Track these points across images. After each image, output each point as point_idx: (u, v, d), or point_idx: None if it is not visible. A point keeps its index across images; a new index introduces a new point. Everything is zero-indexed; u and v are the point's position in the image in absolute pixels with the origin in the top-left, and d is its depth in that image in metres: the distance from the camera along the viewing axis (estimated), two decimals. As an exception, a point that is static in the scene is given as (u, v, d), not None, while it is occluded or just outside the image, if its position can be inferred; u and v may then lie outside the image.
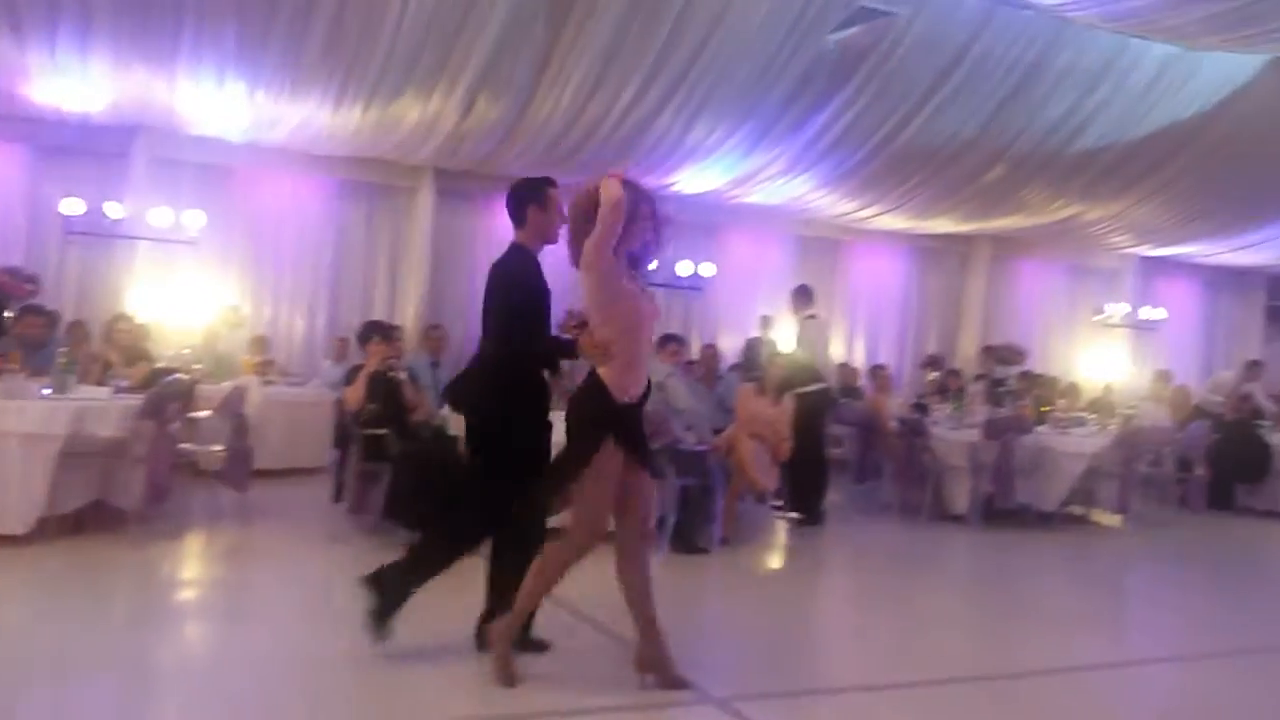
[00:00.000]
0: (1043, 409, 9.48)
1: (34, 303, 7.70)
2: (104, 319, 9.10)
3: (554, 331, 4.66)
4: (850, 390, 11.02)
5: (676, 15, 8.77)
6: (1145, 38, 9.67)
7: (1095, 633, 5.71)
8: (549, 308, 4.35)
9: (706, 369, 10.10)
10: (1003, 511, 8.42)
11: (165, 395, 6.29)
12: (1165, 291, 14.96)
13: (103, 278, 10.05)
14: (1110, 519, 9.07)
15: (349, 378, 7.01)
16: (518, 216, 4.38)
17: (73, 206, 9.67)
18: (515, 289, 4.26)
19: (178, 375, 6.86)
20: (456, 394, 4.68)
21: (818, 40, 9.33)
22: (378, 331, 7.24)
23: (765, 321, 12.12)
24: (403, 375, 7.05)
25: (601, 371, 3.92)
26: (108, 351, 8.20)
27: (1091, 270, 14.63)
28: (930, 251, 13.96)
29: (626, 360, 3.91)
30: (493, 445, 4.25)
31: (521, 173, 10.87)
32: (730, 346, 12.14)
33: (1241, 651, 5.40)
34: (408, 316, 11.08)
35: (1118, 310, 14.17)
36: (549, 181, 4.45)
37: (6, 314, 7.37)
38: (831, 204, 12.23)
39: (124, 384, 6.82)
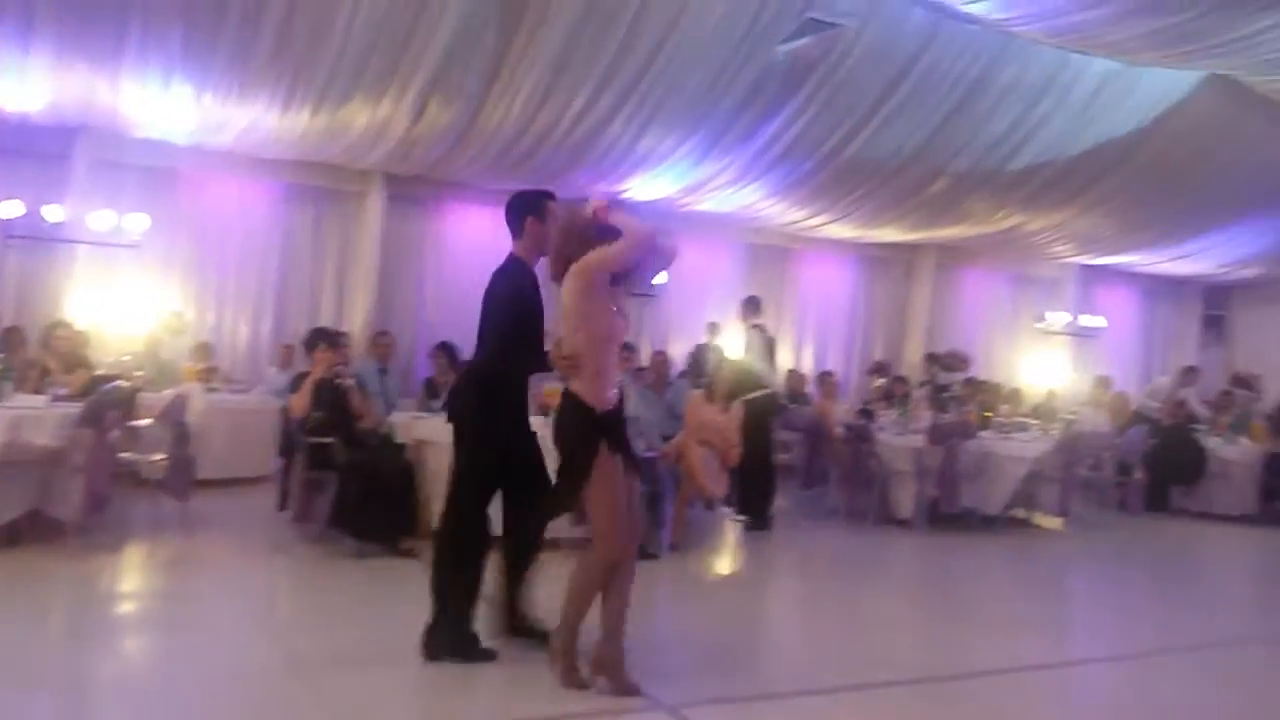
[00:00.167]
0: (986, 414, 9.66)
1: (-31, 308, 7.51)
2: (42, 325, 8.86)
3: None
4: (798, 396, 11.12)
5: (628, 24, 8.80)
6: (1087, 53, 9.90)
7: (1038, 633, 5.81)
8: (538, 321, 4.38)
9: (657, 376, 10.13)
10: (947, 515, 8.56)
11: (104, 403, 6.17)
12: (1105, 300, 15.30)
13: (41, 283, 9.82)
14: (1052, 521, 9.26)
15: (294, 385, 6.93)
16: (516, 228, 4.44)
17: (11, 209, 9.41)
18: (507, 301, 4.32)
19: (118, 382, 6.73)
20: (450, 406, 4.74)
21: (768, 51, 9.42)
22: (324, 338, 7.15)
23: (712, 328, 12.19)
24: (350, 382, 6.98)
25: (575, 386, 4.01)
26: (45, 358, 8.00)
27: (1033, 279, 14.91)
28: (877, 260, 14.14)
29: (596, 369, 4.00)
30: (473, 450, 4.32)
31: (473, 179, 11.04)
32: (680, 353, 12.19)
33: (1179, 649, 5.55)
34: (356, 323, 10.97)
35: (1059, 318, 14.46)
36: (548, 194, 4.53)
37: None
38: (781, 213, 12.35)
39: (62, 391, 6.67)
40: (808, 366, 13.20)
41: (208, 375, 9.10)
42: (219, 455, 8.11)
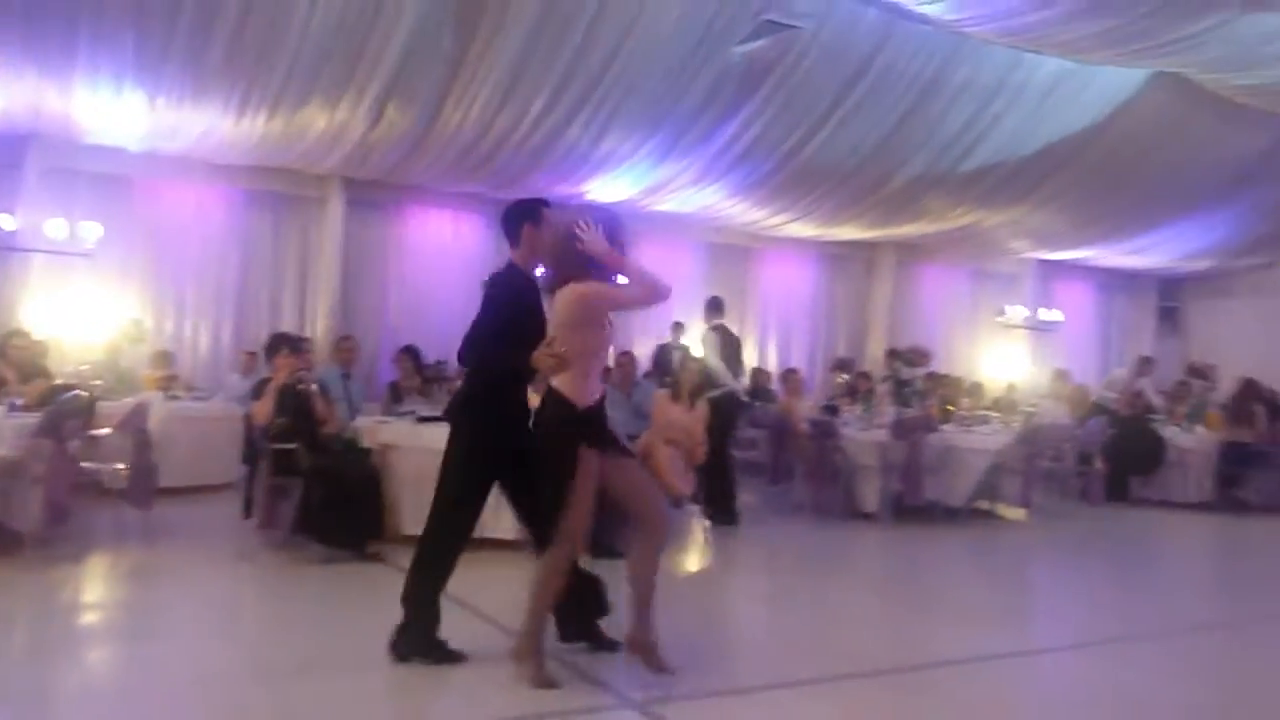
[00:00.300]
0: (948, 408, 9.78)
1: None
2: (-2, 335, 8.76)
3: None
4: (763, 394, 11.19)
5: (585, 27, 8.83)
6: (1039, 52, 10.06)
7: (1003, 623, 5.89)
8: (539, 325, 4.34)
9: (623, 375, 10.13)
10: (911, 508, 8.66)
11: (63, 412, 6.09)
12: (1062, 294, 15.54)
13: (-4, 292, 9.69)
14: (1014, 513, 9.39)
15: (256, 391, 6.87)
16: (513, 235, 4.48)
17: (-38, 219, 9.30)
18: (502, 304, 4.38)
19: (76, 392, 6.64)
20: (450, 406, 4.76)
21: (724, 53, 9.48)
22: (286, 344, 7.10)
23: (677, 328, 12.24)
24: (313, 388, 6.94)
25: (558, 384, 4.07)
26: (2, 369, 7.87)
27: (992, 274, 15.11)
28: (837, 258, 14.26)
29: (582, 370, 4.07)
30: (468, 449, 4.36)
31: (434, 181, 11.01)
32: (646, 353, 12.23)
33: (1142, 636, 5.62)
34: (318, 328, 10.91)
35: (1017, 312, 14.66)
36: (543, 202, 4.59)
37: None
38: (741, 212, 12.43)
39: (19, 402, 6.56)
40: (772, 364, 13.29)
41: (168, 383, 9.00)
42: (181, 463, 8.03)
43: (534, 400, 4.33)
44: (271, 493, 6.49)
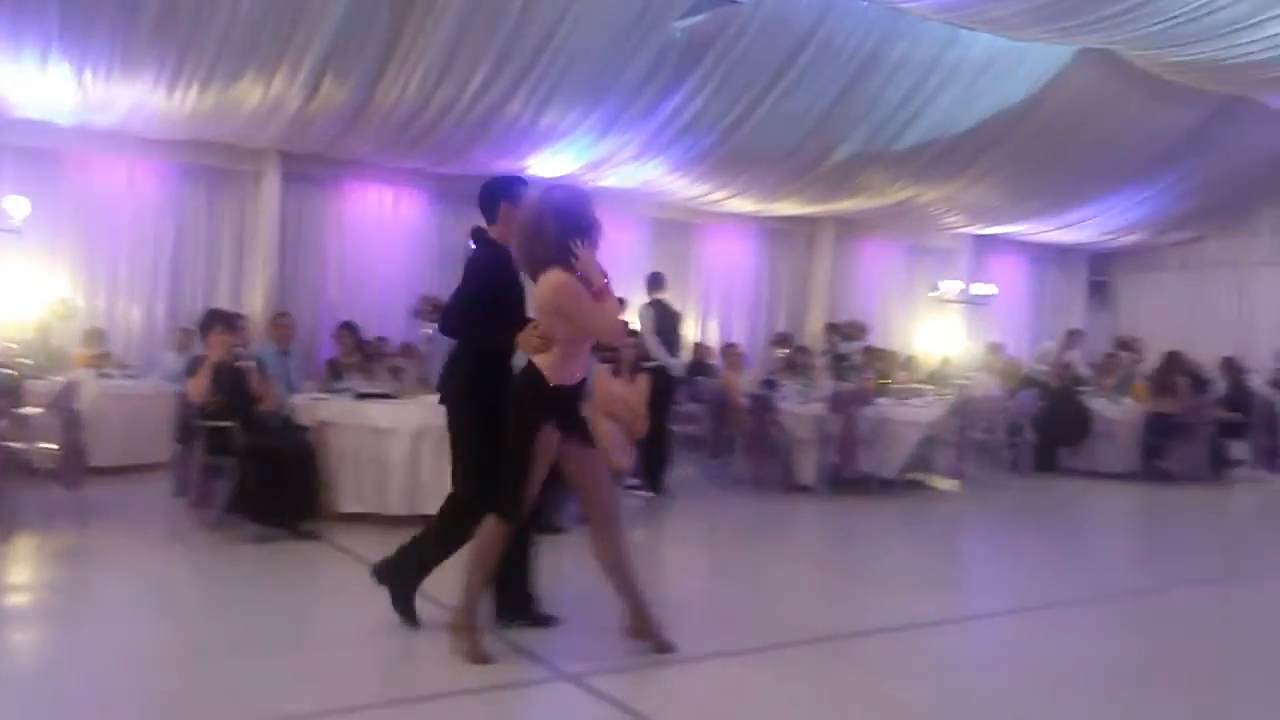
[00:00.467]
0: (883, 381, 9.95)
1: None
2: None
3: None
4: (703, 368, 11.28)
5: (523, 1, 8.76)
6: (973, 29, 10.20)
7: (937, 590, 6.05)
8: (516, 300, 4.52)
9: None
10: (847, 480, 8.82)
11: (-11, 392, 5.97)
12: (996, 268, 15.82)
13: (-81, 270, 9.43)
14: (947, 483, 9.61)
15: (191, 369, 6.78)
16: (489, 212, 4.58)
17: (-119, 194, 9.01)
18: (477, 282, 4.47)
19: (2, 370, 6.51)
20: (440, 388, 4.79)
21: (665, 27, 9.47)
22: (220, 320, 7.02)
23: (620, 304, 12.25)
24: (249, 365, 6.87)
25: (538, 359, 4.10)
26: (-75, 348, 7.71)
27: (928, 249, 15.33)
28: (778, 233, 14.37)
29: (564, 354, 4.10)
30: (471, 428, 4.45)
31: (373, 156, 10.90)
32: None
33: (1072, 601, 5.79)
34: (255, 305, 10.76)
35: (952, 287, 14.92)
36: (521, 180, 4.71)
37: None
38: (683, 188, 12.46)
39: (-57, 382, 6.44)
40: (713, 339, 13.39)
41: (100, 361, 8.85)
42: (113, 442, 7.94)
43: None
44: (205, 472, 6.43)
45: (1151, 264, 16.84)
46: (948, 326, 15.10)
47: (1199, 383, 11.31)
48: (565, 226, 4.09)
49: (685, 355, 11.12)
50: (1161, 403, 10.93)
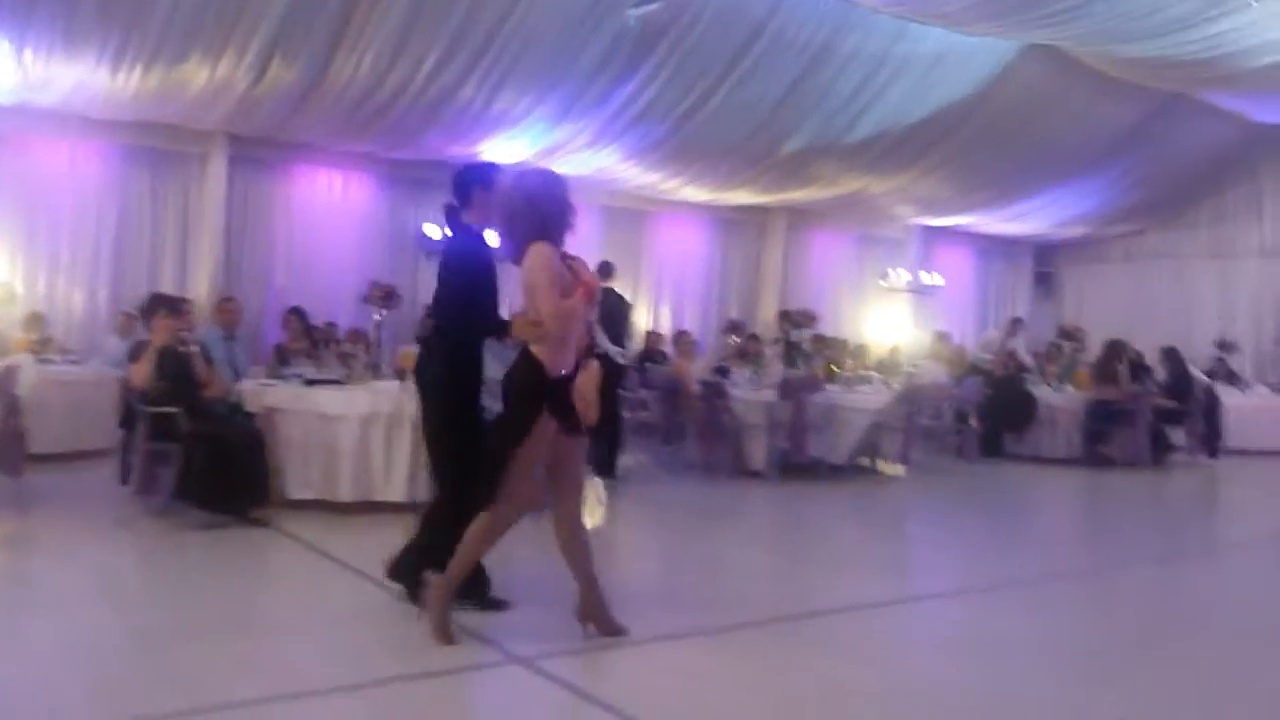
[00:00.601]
0: (833, 369, 10.06)
1: None
2: None
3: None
4: (656, 356, 11.32)
5: (477, -16, 8.72)
6: (924, 23, 10.31)
7: (885, 572, 6.16)
8: (493, 284, 4.59)
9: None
10: (797, 466, 8.93)
11: (-75, 376, 5.83)
12: (943, 259, 16.03)
13: None
14: (894, 469, 9.75)
15: (134, 353, 6.67)
16: (463, 198, 4.64)
17: None
18: (455, 270, 4.55)
19: (-61, 355, 6.36)
20: (418, 376, 4.79)
21: (619, 15, 9.46)
22: (164, 304, 6.90)
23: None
24: (194, 350, 6.76)
25: (535, 349, 4.12)
26: None
27: (878, 239, 15.49)
28: (731, 222, 14.44)
29: (560, 340, 4.11)
30: (447, 417, 4.53)
31: (323, 139, 10.77)
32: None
33: (1016, 583, 5.93)
34: (200, 289, 10.57)
35: (901, 276, 15.08)
36: (494, 166, 4.80)
37: None
38: (636, 176, 12.47)
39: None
40: (665, 327, 13.43)
41: (41, 346, 8.67)
42: (55, 428, 7.79)
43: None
44: (149, 458, 6.34)
45: (1095, 256, 17.19)
46: (896, 315, 15.28)
47: (1139, 371, 11.56)
48: (539, 209, 4.14)
49: (637, 343, 11.14)
50: (1103, 390, 11.16)
